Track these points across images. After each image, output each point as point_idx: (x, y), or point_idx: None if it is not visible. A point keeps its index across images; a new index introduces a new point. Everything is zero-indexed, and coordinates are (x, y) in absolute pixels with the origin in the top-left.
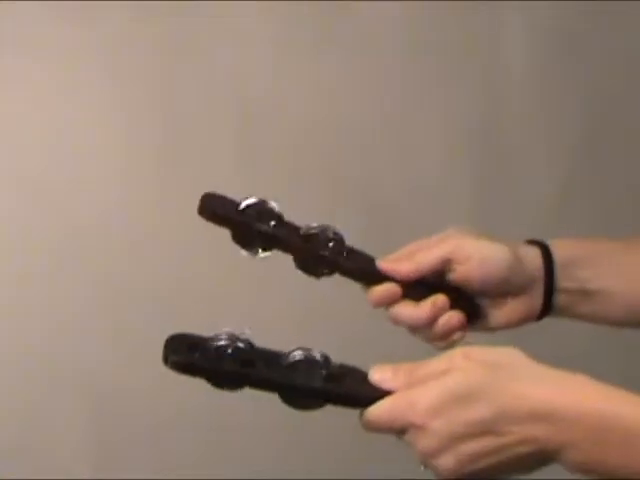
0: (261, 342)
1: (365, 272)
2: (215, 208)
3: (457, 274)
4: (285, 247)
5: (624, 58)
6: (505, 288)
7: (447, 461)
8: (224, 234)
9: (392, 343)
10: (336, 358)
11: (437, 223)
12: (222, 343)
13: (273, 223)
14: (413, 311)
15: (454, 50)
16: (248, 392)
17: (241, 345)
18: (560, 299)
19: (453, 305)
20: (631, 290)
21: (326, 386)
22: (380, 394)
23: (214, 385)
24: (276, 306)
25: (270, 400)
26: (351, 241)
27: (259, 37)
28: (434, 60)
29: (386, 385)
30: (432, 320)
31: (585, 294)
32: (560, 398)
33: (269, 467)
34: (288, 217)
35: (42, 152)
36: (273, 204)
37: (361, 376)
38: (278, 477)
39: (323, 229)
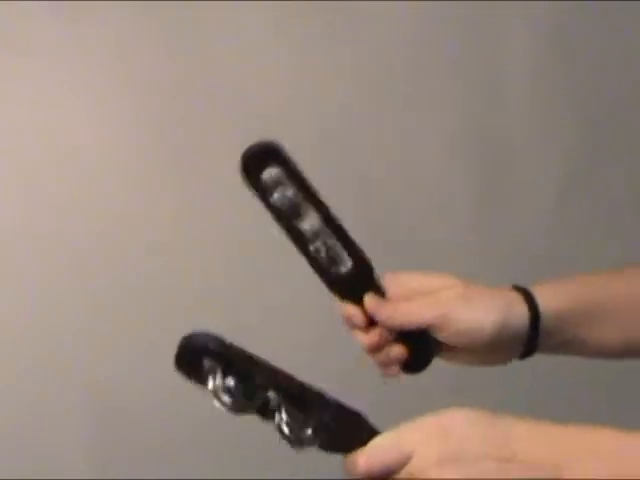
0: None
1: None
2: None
3: (437, 335)
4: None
5: (624, 59)
6: (485, 349)
7: (452, 474)
8: (225, 235)
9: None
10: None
11: (437, 223)
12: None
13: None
14: (364, 336)
15: (454, 50)
16: None
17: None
18: (543, 349)
19: (406, 341)
20: (618, 332)
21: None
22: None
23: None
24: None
25: None
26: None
27: (260, 35)
28: (434, 60)
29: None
30: (375, 349)
31: (570, 342)
32: (554, 427)
33: (269, 467)
34: None
35: (41, 152)
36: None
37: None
38: (278, 477)
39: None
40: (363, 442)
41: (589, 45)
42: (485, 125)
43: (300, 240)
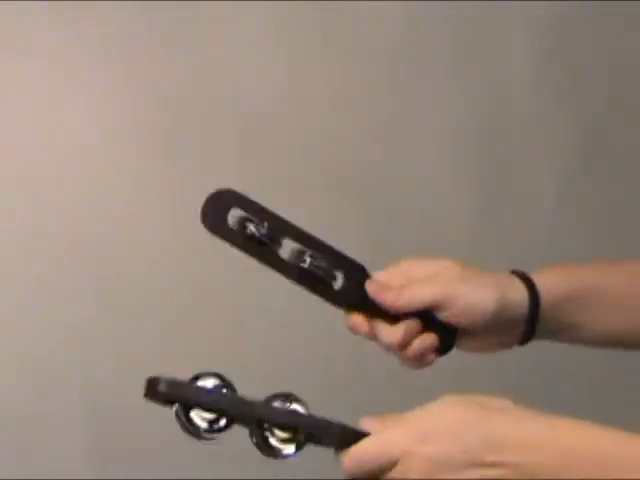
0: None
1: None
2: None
3: (441, 316)
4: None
5: (625, 59)
6: (487, 329)
7: None
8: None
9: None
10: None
11: (437, 224)
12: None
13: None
14: (387, 333)
15: (454, 51)
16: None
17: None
18: (542, 333)
19: (428, 328)
20: (616, 320)
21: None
22: (361, 435)
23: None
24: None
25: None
26: (352, 243)
27: (259, 36)
28: (434, 61)
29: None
30: (406, 343)
31: (568, 327)
32: (549, 432)
33: (270, 467)
34: (283, 214)
35: (42, 152)
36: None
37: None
38: (278, 477)
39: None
40: (348, 444)
41: (590, 45)
42: (485, 125)
43: (289, 267)
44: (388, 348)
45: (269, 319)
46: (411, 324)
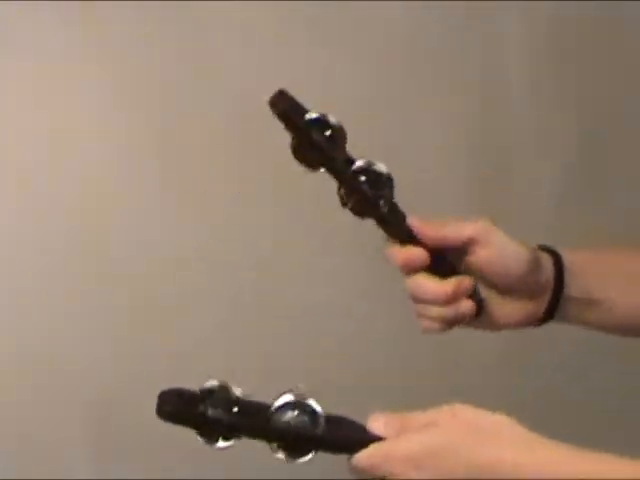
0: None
1: (401, 227)
2: (286, 107)
3: (477, 257)
4: (334, 172)
5: (624, 60)
6: (518, 286)
7: None
8: (224, 238)
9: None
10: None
11: None
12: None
13: (328, 137)
14: (436, 285)
15: (453, 51)
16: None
17: (233, 397)
18: (567, 307)
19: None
20: (636, 300)
21: (322, 433)
22: (370, 440)
23: (206, 436)
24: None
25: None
26: (352, 242)
27: (259, 37)
28: (433, 61)
29: (379, 433)
30: (451, 299)
31: (591, 303)
32: (537, 470)
33: (270, 467)
34: (284, 215)
35: (42, 153)
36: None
37: (352, 424)
38: (278, 477)
39: (378, 171)
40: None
41: (589, 46)
42: (485, 125)
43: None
44: (430, 301)
45: (270, 317)
46: (465, 279)
